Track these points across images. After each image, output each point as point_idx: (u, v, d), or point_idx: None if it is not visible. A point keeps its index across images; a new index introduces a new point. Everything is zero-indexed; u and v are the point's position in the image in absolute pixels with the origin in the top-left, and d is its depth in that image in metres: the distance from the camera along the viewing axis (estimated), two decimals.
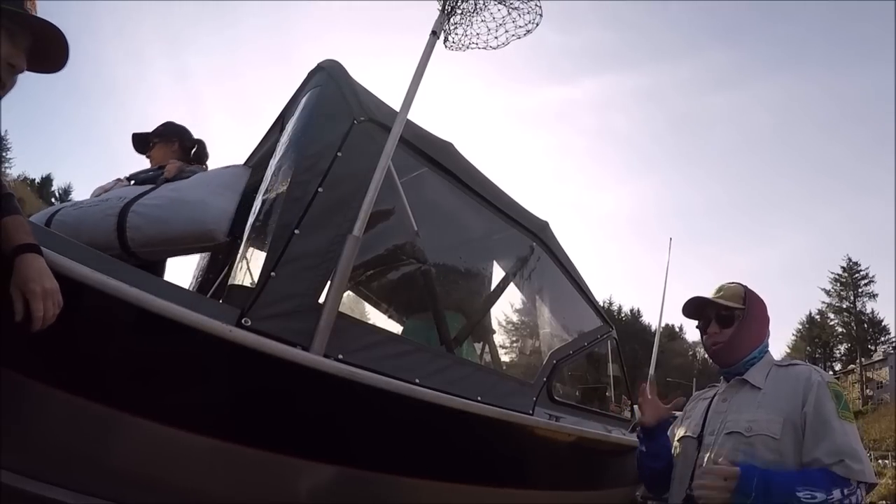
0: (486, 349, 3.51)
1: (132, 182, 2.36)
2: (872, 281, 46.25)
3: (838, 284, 47.96)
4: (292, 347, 1.58)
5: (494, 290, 3.07)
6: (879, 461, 21.75)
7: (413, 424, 1.87)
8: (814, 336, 49.29)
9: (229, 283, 2.08)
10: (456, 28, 2.17)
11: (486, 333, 3.47)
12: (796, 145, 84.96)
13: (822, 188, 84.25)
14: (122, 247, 1.97)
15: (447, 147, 2.48)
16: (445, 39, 2.17)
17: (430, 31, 2.08)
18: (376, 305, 3.81)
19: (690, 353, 55.07)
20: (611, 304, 53.01)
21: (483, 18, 2.19)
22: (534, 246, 2.94)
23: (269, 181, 2.07)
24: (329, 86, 2.12)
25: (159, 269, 2.30)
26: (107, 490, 1.42)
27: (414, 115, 2.07)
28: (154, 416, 1.42)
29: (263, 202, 2.05)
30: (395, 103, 2.05)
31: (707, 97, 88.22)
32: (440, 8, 2.10)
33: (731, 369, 1.60)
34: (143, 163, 2.70)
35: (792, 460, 1.36)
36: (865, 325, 45.63)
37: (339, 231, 1.86)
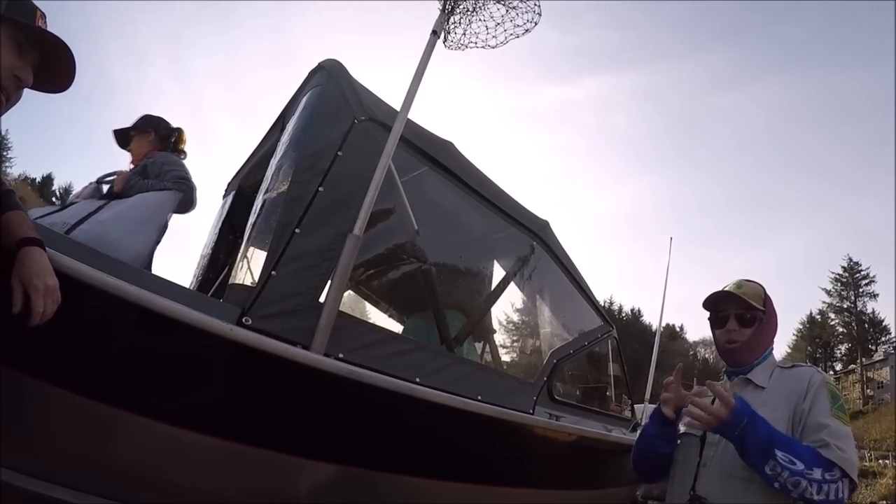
0: (487, 348, 3.51)
1: (100, 184, 2.37)
2: (873, 281, 46.22)
3: (839, 284, 47.90)
4: (293, 346, 1.59)
5: (495, 289, 3.07)
6: (880, 461, 21.71)
7: (413, 423, 1.87)
8: (814, 336, 49.23)
9: (230, 282, 2.09)
10: (456, 27, 2.17)
11: (486, 332, 3.47)
12: (796, 145, 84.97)
13: (822, 188, 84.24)
14: None
15: (447, 146, 2.48)
16: (445, 39, 2.17)
17: (430, 31, 2.08)
18: (377, 304, 3.82)
19: (691, 353, 55.06)
20: (611, 303, 52.99)
21: (482, 18, 2.19)
22: (534, 245, 2.94)
23: (270, 181, 2.08)
24: (330, 85, 2.12)
25: None
26: (108, 489, 1.42)
27: (414, 115, 2.08)
28: (155, 415, 1.43)
29: (264, 202, 2.05)
30: (396, 103, 2.05)
31: (707, 97, 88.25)
32: (440, 7, 2.11)
33: (738, 369, 1.60)
34: None
35: None
36: (866, 325, 45.55)
37: (339, 230, 1.86)
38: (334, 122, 2.03)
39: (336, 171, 1.93)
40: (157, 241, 2.15)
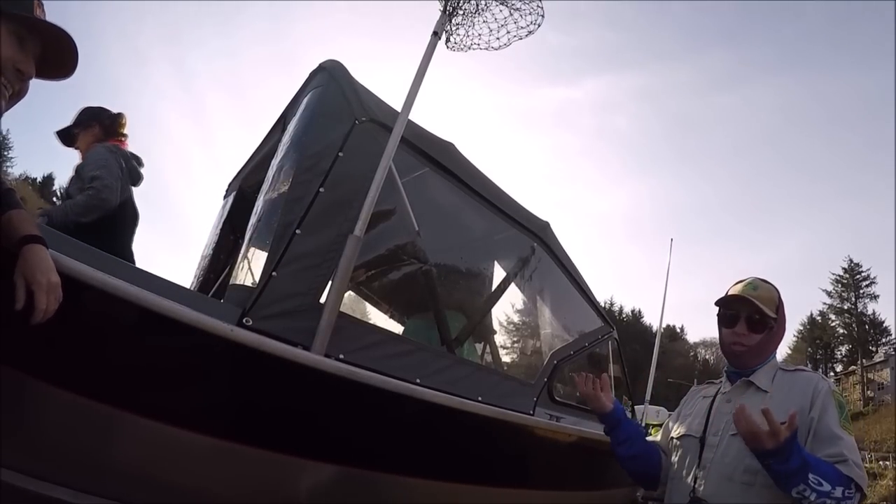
0: (487, 349, 3.51)
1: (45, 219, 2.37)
2: (874, 282, 46.23)
3: (839, 285, 47.91)
4: (293, 347, 1.58)
5: (495, 290, 3.07)
6: (880, 462, 21.69)
7: (414, 424, 1.87)
8: (815, 337, 49.22)
9: (230, 282, 2.09)
10: (458, 29, 2.17)
11: (486, 333, 3.47)
12: (796, 146, 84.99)
13: (822, 188, 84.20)
14: None
15: (448, 147, 2.48)
16: (447, 40, 2.17)
17: (431, 32, 2.08)
18: (377, 305, 3.82)
19: (692, 353, 55.08)
20: (612, 304, 53.02)
21: (485, 19, 2.18)
22: (535, 246, 2.94)
23: (271, 181, 2.08)
24: (331, 86, 2.12)
25: None
26: (108, 489, 1.42)
27: (415, 116, 2.08)
28: (155, 416, 1.42)
29: (265, 202, 2.05)
30: (397, 104, 2.05)
31: (705, 99, 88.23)
32: (442, 9, 2.11)
33: (740, 371, 1.58)
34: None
35: None
36: (867, 327, 45.55)
37: (340, 231, 1.86)
38: (335, 123, 2.03)
39: (337, 172, 1.93)
40: None
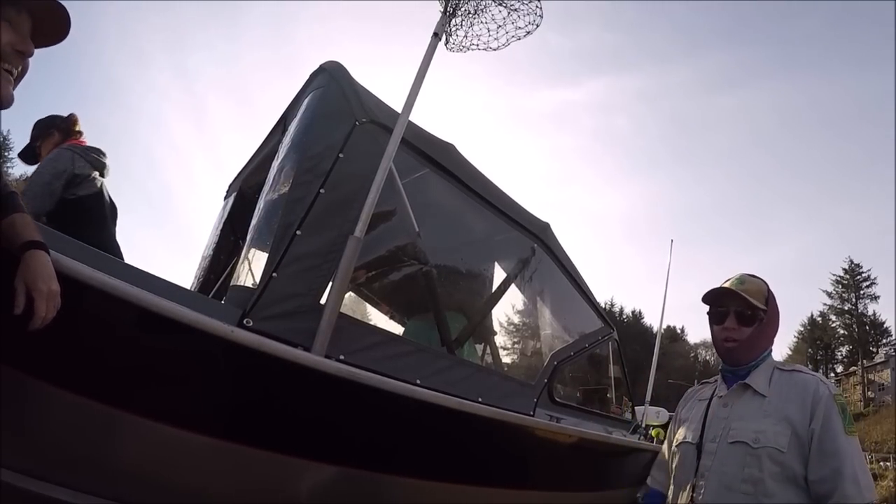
0: (488, 350, 3.51)
1: None
2: (874, 283, 46.20)
3: (840, 286, 47.88)
4: (294, 348, 1.59)
5: (496, 291, 3.07)
6: (881, 463, 21.70)
7: (414, 425, 1.87)
8: (815, 338, 49.17)
9: (231, 283, 2.09)
10: (457, 29, 2.17)
11: (487, 334, 3.47)
12: (795, 147, 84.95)
13: (822, 189, 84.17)
14: None
15: (449, 148, 2.48)
16: (447, 41, 2.18)
17: (431, 33, 2.08)
18: (377, 306, 3.82)
19: (692, 354, 55.04)
20: (612, 305, 52.97)
21: (484, 20, 2.19)
22: (535, 247, 2.94)
23: (272, 182, 2.08)
24: (331, 87, 2.12)
25: None
26: (108, 489, 1.42)
27: (416, 117, 2.08)
28: (156, 416, 1.42)
29: (265, 203, 2.05)
30: (398, 105, 2.06)
31: (705, 99, 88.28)
32: (441, 10, 2.11)
33: (735, 369, 1.55)
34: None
35: (795, 472, 1.33)
36: (867, 327, 45.49)
37: (340, 232, 1.86)
38: (336, 124, 2.03)
39: (337, 173, 1.94)
40: None
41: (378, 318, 3.78)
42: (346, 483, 1.78)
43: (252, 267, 2.00)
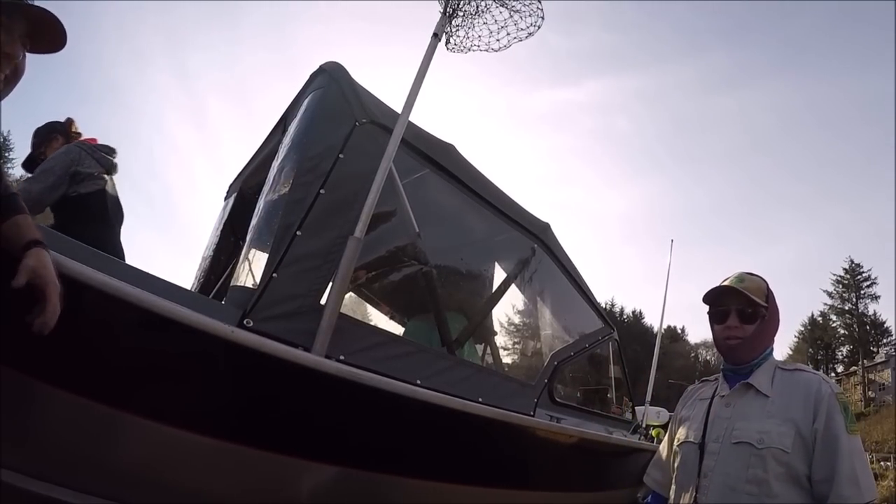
0: (488, 350, 3.51)
1: None
2: (875, 283, 46.18)
3: (840, 286, 47.85)
4: (294, 348, 1.59)
5: (496, 291, 3.07)
6: (881, 463, 21.68)
7: (414, 425, 1.87)
8: (816, 338, 49.15)
9: (231, 283, 2.09)
10: (458, 30, 2.17)
11: (487, 335, 3.47)
12: (794, 147, 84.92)
13: (822, 189, 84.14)
14: None
15: (449, 149, 2.48)
16: (447, 42, 2.17)
17: (431, 34, 2.08)
18: (378, 307, 3.82)
19: (692, 354, 55.03)
20: (612, 305, 52.97)
21: (485, 21, 2.19)
22: (535, 247, 2.94)
23: (272, 183, 2.08)
24: (331, 87, 2.12)
25: None
26: (108, 489, 1.42)
27: (416, 117, 2.08)
28: (156, 417, 1.42)
29: (265, 204, 2.05)
30: (398, 105, 2.06)
31: (705, 100, 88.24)
32: (442, 10, 2.11)
33: (737, 368, 1.54)
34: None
35: (799, 472, 1.33)
36: (867, 327, 45.47)
37: (340, 232, 1.86)
38: (336, 125, 2.03)
39: (337, 174, 1.94)
40: None
41: (378, 319, 3.79)
42: (347, 483, 1.78)
43: (252, 267, 2.00)
